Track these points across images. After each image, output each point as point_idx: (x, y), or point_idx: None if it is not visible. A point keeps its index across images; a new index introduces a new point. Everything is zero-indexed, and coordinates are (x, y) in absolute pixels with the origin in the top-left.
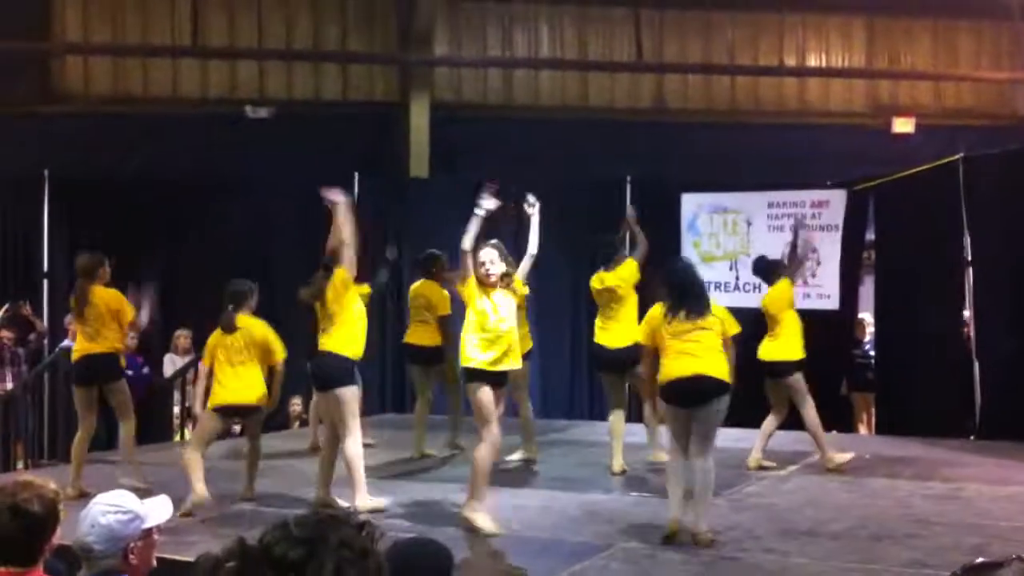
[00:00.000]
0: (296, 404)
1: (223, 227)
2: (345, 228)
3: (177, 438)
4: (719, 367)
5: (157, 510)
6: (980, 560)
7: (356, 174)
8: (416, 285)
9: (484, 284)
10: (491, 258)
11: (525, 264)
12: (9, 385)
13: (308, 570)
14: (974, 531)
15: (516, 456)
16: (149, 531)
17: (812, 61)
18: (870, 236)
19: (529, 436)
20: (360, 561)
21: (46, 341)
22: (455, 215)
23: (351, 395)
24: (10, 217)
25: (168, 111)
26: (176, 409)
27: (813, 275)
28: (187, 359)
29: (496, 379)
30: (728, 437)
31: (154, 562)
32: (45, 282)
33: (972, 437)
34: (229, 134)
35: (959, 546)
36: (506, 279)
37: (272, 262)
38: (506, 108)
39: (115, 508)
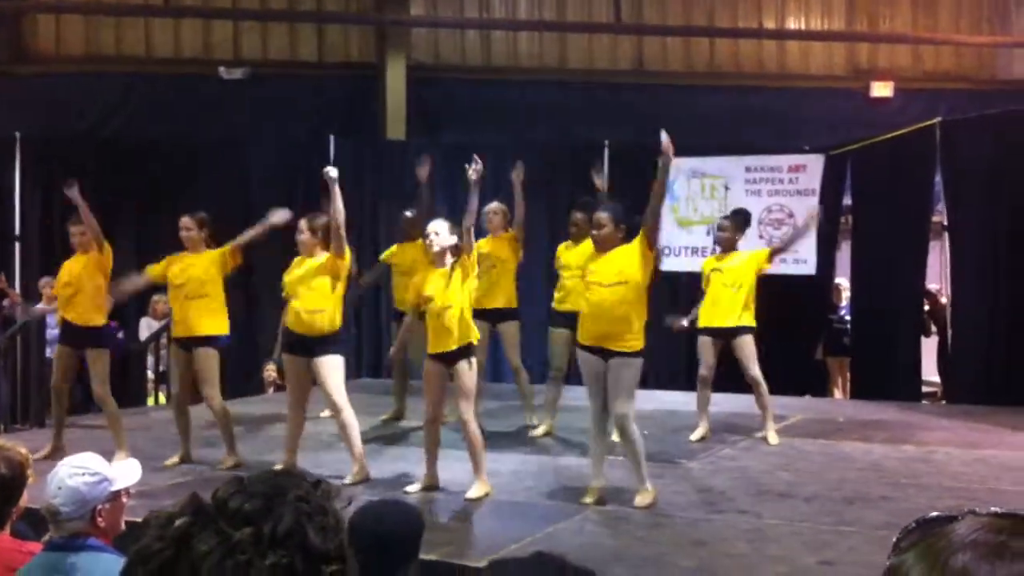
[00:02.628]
0: (270, 370)
1: (199, 188)
2: (336, 205)
3: (151, 402)
4: None
5: (126, 473)
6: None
7: (332, 136)
8: (395, 248)
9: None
10: (436, 229)
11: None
12: None
13: (265, 523)
14: (947, 493)
15: (540, 431)
16: (117, 494)
17: (791, 24)
18: (847, 201)
19: (529, 404)
20: (319, 515)
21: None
22: (432, 177)
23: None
24: None
25: (141, 71)
26: (150, 373)
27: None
28: (163, 323)
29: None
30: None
31: (123, 525)
32: (17, 245)
33: (943, 401)
34: (203, 95)
35: (933, 508)
36: (446, 253)
37: (249, 223)
38: (484, 70)
39: (82, 470)
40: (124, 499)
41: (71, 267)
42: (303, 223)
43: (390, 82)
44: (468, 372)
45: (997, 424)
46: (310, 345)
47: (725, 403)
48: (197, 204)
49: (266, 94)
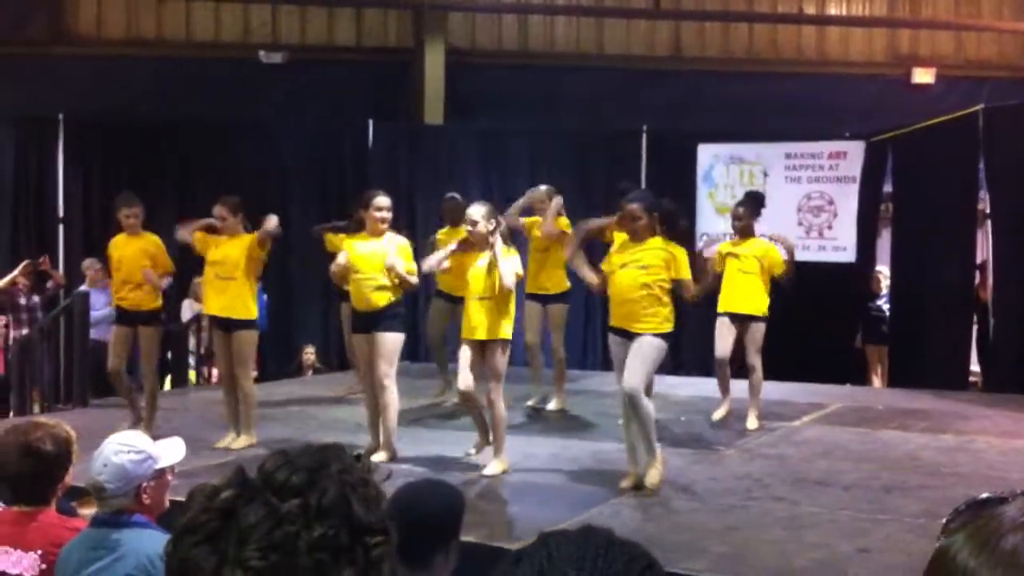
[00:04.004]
0: (310, 353)
1: (237, 171)
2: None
3: (193, 382)
4: None
5: (170, 451)
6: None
7: (370, 121)
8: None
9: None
10: (473, 217)
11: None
12: (25, 331)
13: (311, 495)
14: (985, 483)
15: (552, 405)
16: (162, 471)
17: (832, 9)
18: (888, 188)
19: (559, 387)
20: (361, 487)
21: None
22: (469, 162)
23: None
24: (23, 161)
25: (181, 54)
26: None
27: (829, 227)
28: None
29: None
30: (739, 388)
31: (167, 503)
32: (60, 227)
33: (980, 390)
34: (242, 79)
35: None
36: (487, 238)
37: (286, 207)
38: (521, 55)
39: (128, 447)
40: (169, 477)
41: (123, 250)
42: (382, 200)
43: (428, 67)
44: (500, 356)
45: None
46: (374, 320)
47: (764, 390)
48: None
49: (304, 78)
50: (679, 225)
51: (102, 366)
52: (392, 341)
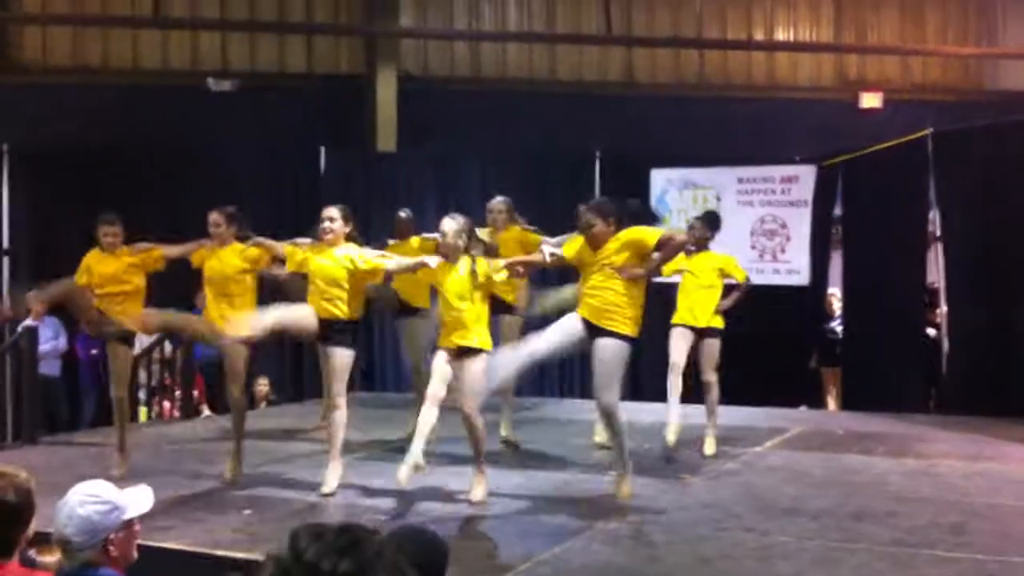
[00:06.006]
0: (263, 384)
1: (188, 200)
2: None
3: (143, 418)
4: None
5: (138, 500)
6: None
7: (322, 148)
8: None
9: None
10: (444, 229)
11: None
12: None
13: None
14: (951, 508)
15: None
16: (130, 522)
17: (780, 35)
18: (838, 211)
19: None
20: (400, 572)
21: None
22: (424, 187)
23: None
24: None
25: (129, 82)
26: (141, 391)
27: (783, 250)
28: (154, 337)
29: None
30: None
31: (135, 554)
32: (5, 260)
33: (933, 412)
34: (192, 106)
35: (938, 524)
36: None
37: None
38: (473, 81)
39: (93, 498)
40: (137, 527)
41: (103, 267)
42: (326, 211)
43: (380, 93)
44: (476, 370)
45: (994, 436)
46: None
47: (723, 415)
48: (186, 216)
49: (255, 105)
50: (650, 222)
51: (49, 402)
52: (341, 357)
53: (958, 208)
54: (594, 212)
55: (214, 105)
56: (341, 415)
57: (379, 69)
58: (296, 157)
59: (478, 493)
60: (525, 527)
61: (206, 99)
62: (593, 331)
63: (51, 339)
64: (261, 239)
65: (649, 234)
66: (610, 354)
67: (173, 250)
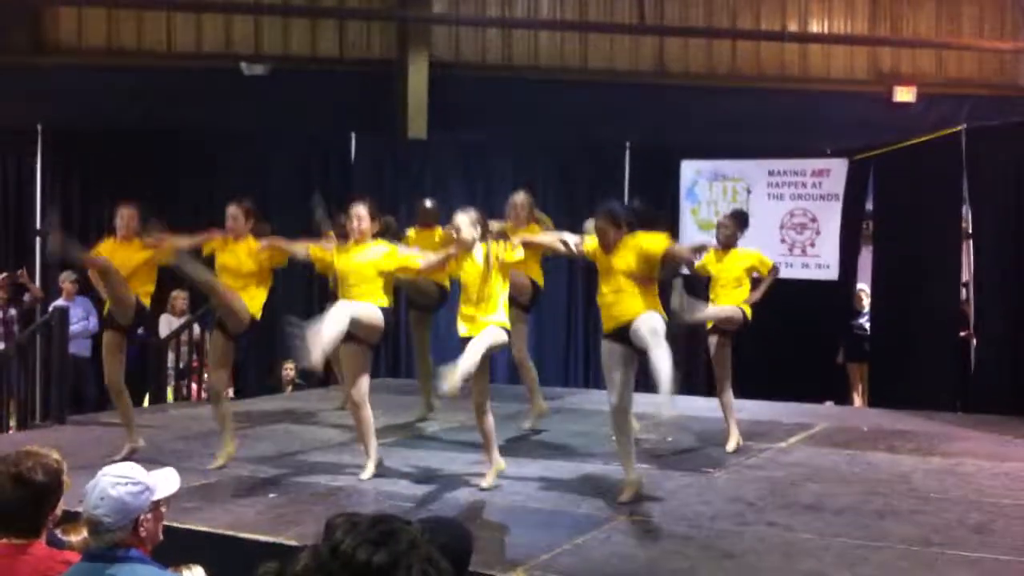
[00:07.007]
0: (289, 368)
1: (219, 183)
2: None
3: (170, 398)
4: None
5: (165, 482)
6: None
7: (353, 133)
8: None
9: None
10: (458, 224)
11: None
12: (1, 344)
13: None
14: (976, 508)
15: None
16: (158, 503)
17: (814, 27)
18: (869, 206)
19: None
20: (433, 563)
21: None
22: (452, 175)
23: None
24: (1, 172)
25: (162, 65)
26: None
27: (812, 244)
28: (183, 319)
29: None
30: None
31: (161, 535)
32: (38, 240)
33: (959, 411)
34: (224, 90)
35: (963, 523)
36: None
37: (268, 219)
38: (504, 68)
39: (125, 479)
40: (164, 509)
41: (115, 257)
42: (354, 209)
43: (411, 79)
44: (486, 333)
45: (1022, 436)
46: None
47: (748, 410)
48: (215, 199)
49: (287, 90)
50: (657, 221)
51: (78, 382)
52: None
53: (990, 205)
54: (606, 220)
55: (246, 89)
56: (367, 413)
57: (411, 55)
58: (327, 142)
59: (489, 479)
60: (547, 517)
61: (238, 82)
62: (626, 329)
63: (82, 319)
64: (275, 240)
65: (655, 245)
66: (656, 320)
67: (183, 242)
